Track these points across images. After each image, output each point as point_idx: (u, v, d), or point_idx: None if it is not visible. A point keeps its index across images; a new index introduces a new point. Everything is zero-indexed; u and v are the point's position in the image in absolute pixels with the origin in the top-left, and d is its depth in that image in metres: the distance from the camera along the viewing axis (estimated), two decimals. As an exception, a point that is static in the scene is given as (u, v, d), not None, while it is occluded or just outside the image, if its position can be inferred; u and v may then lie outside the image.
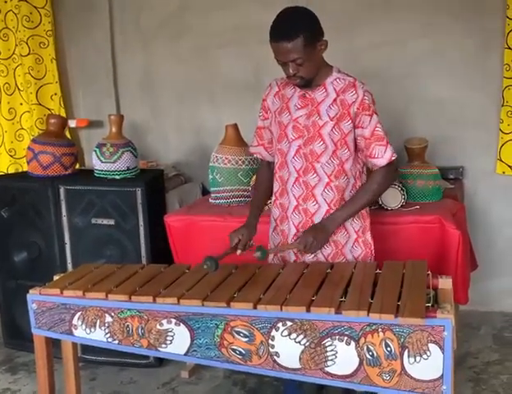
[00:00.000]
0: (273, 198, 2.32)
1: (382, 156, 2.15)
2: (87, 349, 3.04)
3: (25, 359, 3.30)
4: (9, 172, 3.90)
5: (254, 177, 2.97)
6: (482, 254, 3.34)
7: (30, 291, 2.11)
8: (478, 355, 3.10)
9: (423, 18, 3.40)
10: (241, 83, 3.72)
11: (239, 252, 2.20)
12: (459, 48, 3.39)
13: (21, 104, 3.86)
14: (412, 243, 2.63)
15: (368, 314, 1.69)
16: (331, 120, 2.14)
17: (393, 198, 2.75)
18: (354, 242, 2.25)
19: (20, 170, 3.87)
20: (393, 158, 2.17)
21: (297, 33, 2.01)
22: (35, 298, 2.10)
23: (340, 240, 2.22)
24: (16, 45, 3.78)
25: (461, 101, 3.44)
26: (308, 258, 2.22)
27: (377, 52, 3.47)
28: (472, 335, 3.32)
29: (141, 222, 3.01)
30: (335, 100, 2.14)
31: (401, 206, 2.79)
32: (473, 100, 3.43)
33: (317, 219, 2.20)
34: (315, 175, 2.18)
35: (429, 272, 1.95)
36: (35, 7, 3.73)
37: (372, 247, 2.30)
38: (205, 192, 3.71)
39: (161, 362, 3.16)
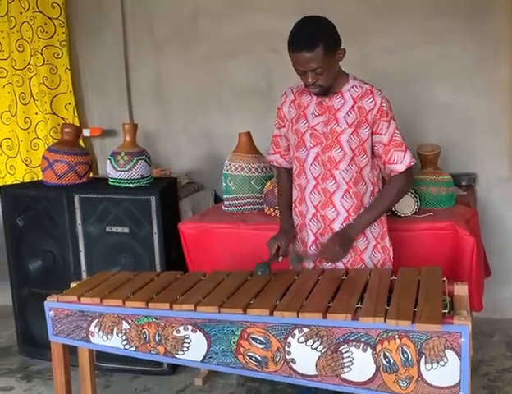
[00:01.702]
0: (293, 205, 2.33)
1: (401, 162, 2.18)
2: (100, 356, 3.04)
3: (39, 367, 3.32)
4: (25, 181, 3.93)
5: (268, 184, 3.01)
6: (495, 261, 3.33)
7: (48, 299, 2.13)
8: (492, 363, 3.09)
9: (431, 23, 3.42)
10: (253, 90, 3.75)
11: (280, 259, 2.21)
12: (467, 52, 3.40)
13: (36, 114, 3.90)
14: (426, 249, 2.63)
15: (384, 321, 1.70)
16: (350, 127, 2.16)
17: (406, 204, 2.76)
18: (373, 248, 2.25)
19: (35, 178, 3.90)
20: (412, 164, 2.20)
21: (317, 43, 2.03)
22: (53, 305, 2.11)
23: (359, 247, 2.22)
24: (31, 55, 3.82)
25: (471, 106, 3.44)
26: (327, 265, 2.23)
27: (385, 57, 3.48)
28: (485, 342, 3.31)
29: (155, 230, 3.03)
30: (352, 107, 2.16)
31: (414, 213, 2.79)
32: (482, 106, 3.43)
33: (335, 226, 2.22)
34: (333, 182, 2.19)
35: (444, 278, 1.96)
36: (50, 18, 3.77)
37: (391, 252, 2.31)
38: (217, 200, 3.74)
39: (174, 369, 3.17)
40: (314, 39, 2.04)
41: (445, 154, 3.29)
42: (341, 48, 2.12)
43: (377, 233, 2.27)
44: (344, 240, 2.16)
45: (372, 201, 2.23)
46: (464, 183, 3.38)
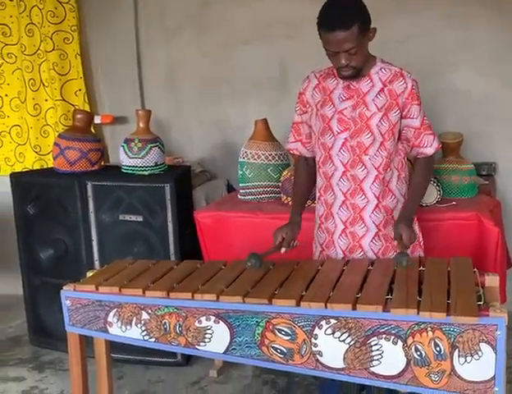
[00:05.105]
0: (317, 194, 2.26)
1: (431, 145, 2.16)
2: (113, 347, 2.99)
3: (50, 357, 3.28)
4: (35, 168, 3.87)
5: (285, 173, 2.94)
6: (515, 252, 3.26)
7: (64, 288, 2.07)
8: (513, 356, 3.03)
9: (452, 9, 3.34)
10: (266, 78, 3.68)
11: (283, 250, 2.14)
12: (490, 38, 3.33)
13: (46, 100, 3.83)
14: (449, 239, 2.57)
15: (417, 313, 1.63)
16: (379, 110, 2.08)
17: (429, 193, 2.67)
18: None
19: (45, 166, 3.84)
20: (440, 147, 2.20)
21: (353, 21, 1.94)
22: (69, 295, 2.05)
23: (390, 234, 2.14)
24: (41, 41, 3.74)
25: (491, 95, 3.37)
26: (358, 254, 2.17)
27: (405, 44, 3.40)
28: (507, 335, 3.24)
29: (170, 219, 2.96)
30: (382, 90, 2.09)
31: (437, 202, 2.72)
32: (503, 95, 3.36)
33: (365, 214, 2.14)
34: (363, 168, 2.12)
35: (475, 269, 1.89)
36: (60, 2, 3.70)
37: (421, 239, 2.25)
38: (230, 189, 3.67)
39: (188, 360, 3.12)
40: (349, 18, 1.95)
41: (465, 143, 3.22)
42: (372, 26, 2.04)
43: None
44: (409, 221, 2.07)
45: (414, 185, 2.17)
46: (483, 172, 3.31)
